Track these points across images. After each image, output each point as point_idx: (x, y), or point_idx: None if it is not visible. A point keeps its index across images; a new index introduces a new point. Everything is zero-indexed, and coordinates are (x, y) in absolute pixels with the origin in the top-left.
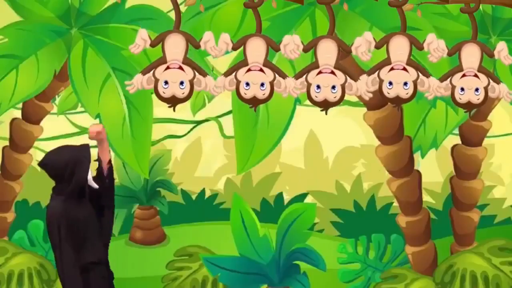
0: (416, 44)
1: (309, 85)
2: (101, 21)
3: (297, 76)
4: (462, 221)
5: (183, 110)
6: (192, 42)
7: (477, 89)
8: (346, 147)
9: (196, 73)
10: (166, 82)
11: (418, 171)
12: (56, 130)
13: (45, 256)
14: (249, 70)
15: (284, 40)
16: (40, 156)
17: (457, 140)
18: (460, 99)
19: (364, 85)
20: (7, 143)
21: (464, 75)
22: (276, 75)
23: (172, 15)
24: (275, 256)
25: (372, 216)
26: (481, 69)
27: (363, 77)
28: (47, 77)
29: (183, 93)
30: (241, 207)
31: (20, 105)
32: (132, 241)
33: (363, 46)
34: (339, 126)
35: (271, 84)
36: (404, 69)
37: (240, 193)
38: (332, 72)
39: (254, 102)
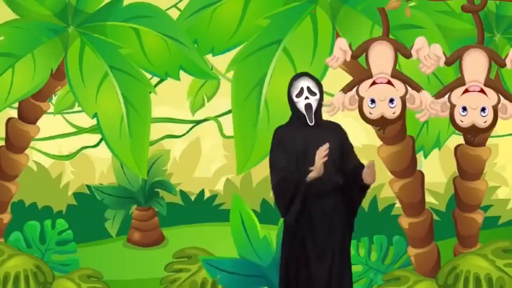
0: (414, 53)
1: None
2: (99, 19)
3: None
4: (465, 222)
5: (182, 110)
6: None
7: (483, 109)
8: None
9: (409, 88)
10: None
11: (420, 171)
12: (53, 129)
13: (41, 258)
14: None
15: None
16: (36, 156)
17: (460, 140)
18: (462, 121)
19: None
20: (3, 143)
21: (466, 91)
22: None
23: (171, 13)
24: (276, 258)
25: (374, 217)
26: (488, 82)
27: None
28: (43, 76)
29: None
30: (241, 208)
31: (16, 105)
32: (130, 242)
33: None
34: None
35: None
36: (482, 91)
37: (240, 194)
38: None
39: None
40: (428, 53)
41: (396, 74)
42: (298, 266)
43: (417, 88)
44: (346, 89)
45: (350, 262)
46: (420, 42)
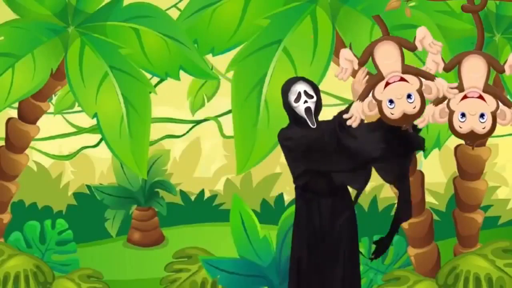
0: (426, 47)
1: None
2: (99, 19)
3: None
4: (465, 223)
5: (182, 110)
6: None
7: (482, 115)
8: None
9: (422, 80)
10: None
11: (420, 171)
12: (53, 129)
13: (41, 258)
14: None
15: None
16: (36, 156)
17: (460, 140)
18: (461, 127)
19: None
20: (3, 143)
21: (465, 97)
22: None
23: (171, 13)
24: (276, 258)
25: (374, 217)
26: (487, 88)
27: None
28: (43, 76)
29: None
30: (241, 208)
31: (16, 105)
32: (130, 242)
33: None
34: None
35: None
36: (481, 97)
37: (240, 194)
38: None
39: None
40: (432, 41)
41: (407, 69)
42: (309, 248)
43: (431, 78)
44: (362, 96)
45: (359, 263)
46: (421, 32)
